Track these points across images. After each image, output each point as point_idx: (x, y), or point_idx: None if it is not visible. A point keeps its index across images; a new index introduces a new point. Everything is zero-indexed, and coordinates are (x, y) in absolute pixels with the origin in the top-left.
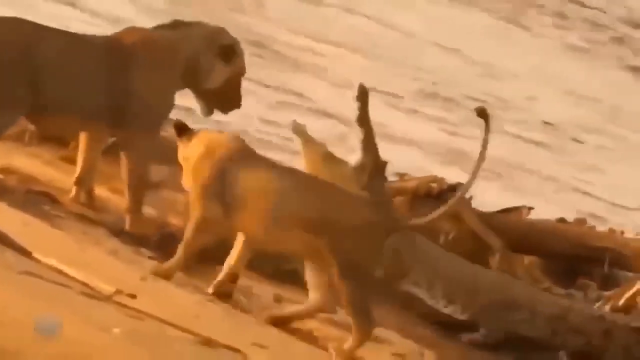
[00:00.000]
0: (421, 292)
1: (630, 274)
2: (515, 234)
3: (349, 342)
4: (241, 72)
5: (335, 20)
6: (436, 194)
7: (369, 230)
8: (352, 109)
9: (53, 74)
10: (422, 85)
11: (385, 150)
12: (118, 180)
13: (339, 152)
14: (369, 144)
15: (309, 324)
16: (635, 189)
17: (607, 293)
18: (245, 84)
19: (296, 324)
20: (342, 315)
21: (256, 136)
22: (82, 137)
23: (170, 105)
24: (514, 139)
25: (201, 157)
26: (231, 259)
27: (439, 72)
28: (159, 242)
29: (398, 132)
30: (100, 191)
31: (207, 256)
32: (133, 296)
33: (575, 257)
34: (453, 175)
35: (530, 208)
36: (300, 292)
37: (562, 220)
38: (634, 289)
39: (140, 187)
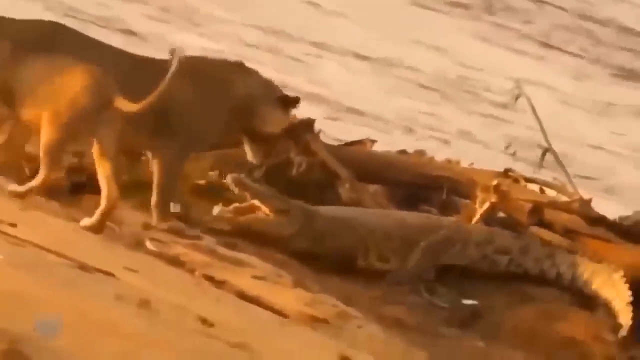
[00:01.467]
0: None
1: (466, 201)
2: (361, 164)
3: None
4: (290, 125)
5: None
6: (288, 128)
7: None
8: None
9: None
10: None
11: None
12: None
13: None
14: None
15: (176, 250)
16: None
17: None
18: None
19: (165, 250)
20: (208, 241)
21: None
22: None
23: (213, 133)
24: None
25: None
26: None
27: None
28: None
29: None
30: None
31: (80, 187)
32: (13, 225)
33: (416, 185)
34: None
35: (373, 141)
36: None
37: (403, 151)
38: (482, 210)
39: (167, 193)
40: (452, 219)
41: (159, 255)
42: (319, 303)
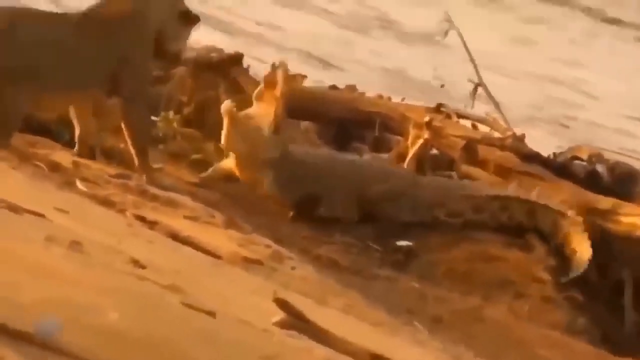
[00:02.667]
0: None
1: (398, 137)
2: (291, 100)
3: None
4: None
5: None
6: (215, 64)
7: None
8: None
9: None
10: None
11: None
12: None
13: None
14: None
15: (107, 190)
16: None
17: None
18: None
19: (96, 191)
20: (137, 180)
21: None
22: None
23: (152, 72)
24: None
25: None
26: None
27: None
28: None
29: None
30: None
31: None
32: None
33: (348, 121)
34: None
35: (304, 76)
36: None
37: (334, 87)
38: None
39: (144, 148)
40: (408, 170)
41: (89, 196)
42: (252, 244)
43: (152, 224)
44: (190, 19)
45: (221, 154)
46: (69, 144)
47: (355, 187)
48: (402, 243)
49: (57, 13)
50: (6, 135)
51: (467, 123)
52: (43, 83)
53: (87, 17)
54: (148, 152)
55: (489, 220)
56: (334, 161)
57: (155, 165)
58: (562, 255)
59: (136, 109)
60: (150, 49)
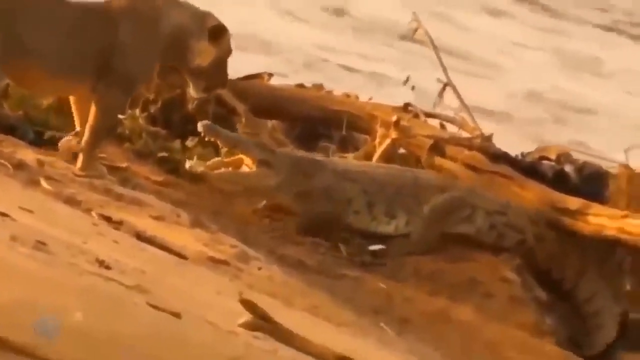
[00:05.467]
0: (362, 220)
1: (365, 136)
2: (257, 98)
3: None
4: (227, 53)
5: None
6: None
7: None
8: None
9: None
10: None
11: None
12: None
13: None
14: None
15: (72, 188)
16: None
17: (346, 155)
18: None
19: (59, 190)
20: (103, 181)
21: None
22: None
23: (149, 73)
24: None
25: None
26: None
27: None
28: None
29: None
30: None
31: None
32: None
33: (315, 119)
34: None
35: (270, 74)
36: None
37: (301, 85)
38: (383, 147)
39: (100, 135)
40: (465, 181)
41: (54, 195)
42: (218, 243)
43: (117, 224)
44: (217, 35)
45: (186, 152)
46: (33, 143)
47: (416, 195)
48: (375, 247)
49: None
50: None
51: (436, 122)
52: (38, 65)
53: (87, 4)
54: (100, 140)
55: (541, 257)
56: (384, 169)
57: (121, 164)
58: (582, 317)
59: (111, 95)
60: (153, 48)
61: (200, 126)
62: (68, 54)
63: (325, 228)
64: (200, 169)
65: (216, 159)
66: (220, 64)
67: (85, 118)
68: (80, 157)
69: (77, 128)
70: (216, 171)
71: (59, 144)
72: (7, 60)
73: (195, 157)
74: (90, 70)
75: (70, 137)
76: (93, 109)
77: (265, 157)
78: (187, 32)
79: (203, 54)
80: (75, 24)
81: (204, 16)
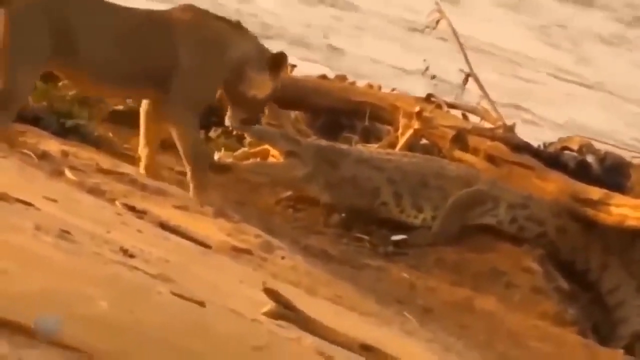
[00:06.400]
0: (391, 210)
1: (387, 127)
2: (281, 90)
3: None
4: (277, 89)
5: None
6: None
7: None
8: None
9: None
10: None
11: None
12: None
13: None
14: None
15: (96, 179)
16: None
17: (369, 145)
18: None
19: (82, 180)
20: (127, 169)
21: None
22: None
23: (212, 96)
24: None
25: None
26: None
27: None
28: None
29: None
30: None
31: None
32: None
33: (338, 111)
34: None
35: (294, 65)
36: (84, 146)
37: (324, 76)
38: (406, 137)
39: (199, 161)
40: (489, 174)
41: (78, 185)
42: (241, 233)
43: (141, 213)
44: (278, 64)
45: (209, 143)
46: (57, 133)
47: (440, 187)
48: (397, 237)
49: (122, 6)
50: (10, 115)
51: (458, 113)
52: (96, 72)
53: (152, 16)
54: (201, 163)
55: (563, 249)
56: (413, 158)
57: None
58: (606, 308)
59: (183, 120)
60: (218, 74)
61: (227, 120)
62: (119, 63)
63: (359, 220)
64: (229, 160)
65: (242, 149)
66: (265, 101)
67: (151, 138)
68: (191, 187)
69: (139, 149)
70: (245, 162)
71: (138, 162)
72: (58, 59)
73: (222, 149)
74: (149, 84)
75: (140, 152)
76: (175, 137)
77: (292, 148)
78: (249, 62)
79: (261, 86)
80: (132, 34)
81: (264, 49)
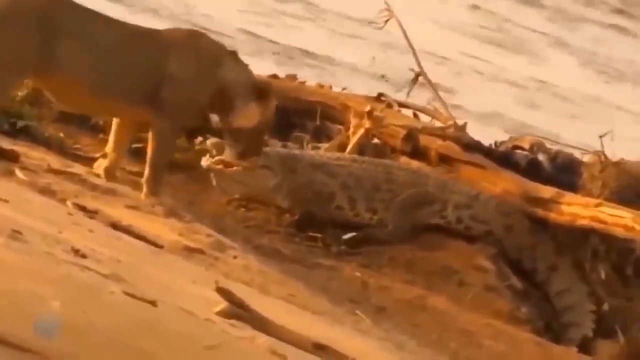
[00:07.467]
0: (346, 214)
1: (338, 126)
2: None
3: None
4: (270, 121)
5: None
6: None
7: None
8: None
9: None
10: None
11: None
12: None
13: None
14: None
15: (47, 179)
16: None
17: (320, 145)
18: None
19: (33, 180)
20: (78, 169)
21: None
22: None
23: (200, 107)
24: None
25: None
26: None
27: None
28: None
29: None
30: None
31: None
32: None
33: (289, 110)
34: None
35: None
36: (35, 147)
37: (274, 76)
38: (357, 136)
39: (159, 168)
40: (440, 174)
41: (29, 185)
42: (193, 233)
43: (92, 213)
44: (264, 94)
45: None
46: (8, 133)
47: (391, 190)
48: (349, 235)
49: (113, 18)
50: None
51: (409, 112)
52: (89, 84)
53: (146, 31)
54: (161, 171)
55: (510, 249)
56: (365, 162)
57: (95, 155)
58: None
59: (164, 126)
60: (206, 90)
61: (209, 144)
62: (110, 75)
63: (316, 223)
64: (218, 166)
65: (218, 157)
66: (260, 132)
67: (120, 143)
68: (144, 190)
69: (107, 149)
70: (229, 169)
71: (94, 167)
72: (44, 71)
73: (208, 155)
74: (137, 96)
75: (100, 160)
76: (150, 139)
77: (264, 162)
78: (237, 90)
79: (248, 116)
80: (122, 46)
81: (252, 74)
